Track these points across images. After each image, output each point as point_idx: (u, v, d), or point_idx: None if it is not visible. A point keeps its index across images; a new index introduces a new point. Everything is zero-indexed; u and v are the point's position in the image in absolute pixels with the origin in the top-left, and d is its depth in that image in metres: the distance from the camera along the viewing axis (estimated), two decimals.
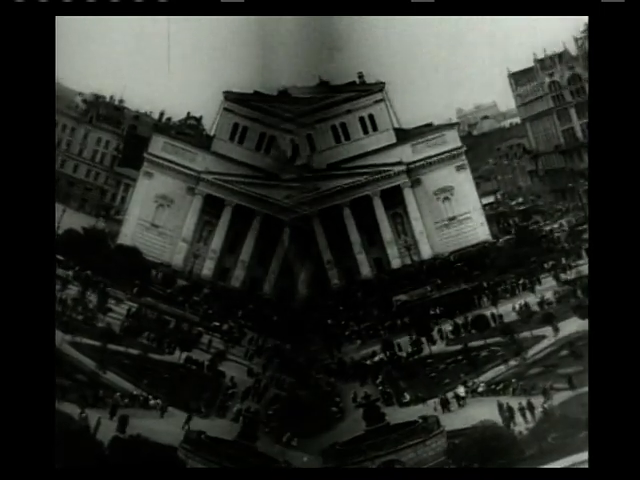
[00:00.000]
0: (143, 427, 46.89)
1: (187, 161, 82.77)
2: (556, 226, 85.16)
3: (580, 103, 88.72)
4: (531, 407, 47.27)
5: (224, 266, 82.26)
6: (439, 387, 55.97)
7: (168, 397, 54.82)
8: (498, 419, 46.66)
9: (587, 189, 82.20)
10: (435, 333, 65.61)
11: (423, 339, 64.53)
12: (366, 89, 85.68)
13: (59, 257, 68.73)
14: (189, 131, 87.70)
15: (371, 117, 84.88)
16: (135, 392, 53.99)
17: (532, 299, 67.13)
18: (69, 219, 78.15)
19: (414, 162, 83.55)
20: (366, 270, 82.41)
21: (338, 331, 71.10)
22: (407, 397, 55.77)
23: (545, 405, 46.21)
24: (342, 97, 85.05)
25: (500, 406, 48.01)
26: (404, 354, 63.80)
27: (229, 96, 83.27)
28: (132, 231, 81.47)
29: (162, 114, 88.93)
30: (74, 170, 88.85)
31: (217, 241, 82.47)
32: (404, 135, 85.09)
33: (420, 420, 47.35)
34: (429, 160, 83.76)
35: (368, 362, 64.61)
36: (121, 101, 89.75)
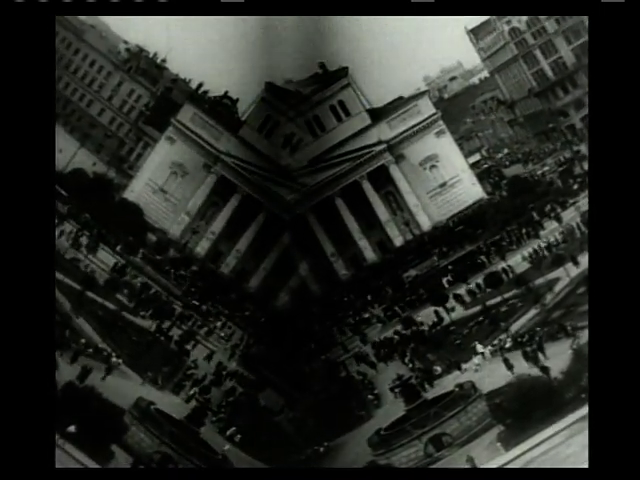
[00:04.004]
0: (101, 382, 46.75)
1: (212, 138, 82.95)
2: (547, 168, 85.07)
3: (543, 43, 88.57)
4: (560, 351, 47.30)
5: (219, 250, 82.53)
6: (467, 352, 55.77)
7: (130, 359, 54.39)
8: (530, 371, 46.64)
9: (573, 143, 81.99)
10: (452, 300, 65.47)
11: (441, 309, 64.37)
12: (330, 77, 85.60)
13: (62, 192, 68.76)
14: (221, 110, 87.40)
15: (341, 103, 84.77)
16: (100, 345, 53.42)
17: (539, 245, 67.05)
18: (81, 158, 79.38)
19: (393, 138, 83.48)
20: (371, 254, 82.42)
21: (356, 320, 71.20)
22: (438, 369, 55.58)
23: (574, 346, 46.00)
24: (309, 90, 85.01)
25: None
26: (426, 328, 63.66)
27: (270, 88, 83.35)
28: (139, 189, 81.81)
29: (200, 85, 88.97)
30: (99, 113, 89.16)
31: (219, 224, 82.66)
32: (377, 114, 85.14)
33: (456, 389, 47.15)
34: (407, 133, 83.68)
35: (393, 343, 64.59)
36: (163, 61, 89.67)
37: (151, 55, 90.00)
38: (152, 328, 61.66)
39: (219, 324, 69.74)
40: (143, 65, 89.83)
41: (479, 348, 54.16)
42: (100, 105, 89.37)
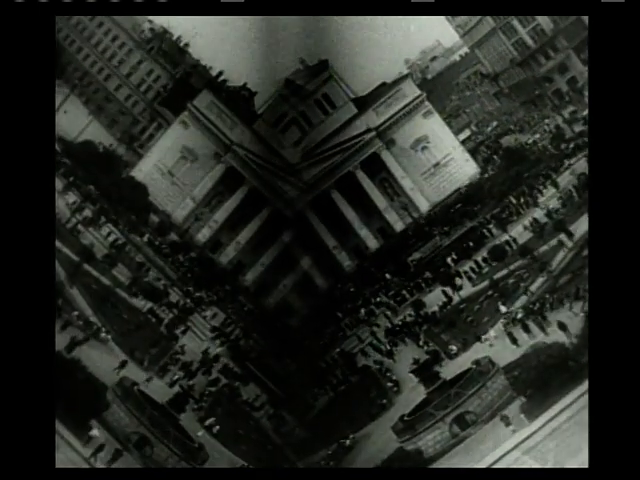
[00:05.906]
0: (87, 355, 46.05)
1: (226, 128, 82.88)
2: (538, 136, 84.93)
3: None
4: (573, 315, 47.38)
5: (219, 239, 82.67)
6: (480, 327, 55.81)
7: (119, 337, 53.76)
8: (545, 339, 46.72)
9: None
10: (458, 278, 65.44)
11: (449, 288, 64.32)
12: (312, 72, 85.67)
13: (66, 161, 68.62)
14: (239, 100, 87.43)
15: (326, 96, 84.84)
16: (91, 319, 52.74)
17: (538, 213, 66.98)
18: (92, 130, 79.66)
19: (381, 124, 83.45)
20: (373, 242, 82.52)
21: (366, 309, 71.12)
22: (454, 348, 55.58)
23: (585, 309, 46.00)
24: (292, 87, 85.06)
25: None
26: (437, 308, 63.63)
27: (290, 85, 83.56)
28: (148, 169, 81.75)
29: (220, 73, 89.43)
30: (116, 89, 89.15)
31: (222, 213, 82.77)
32: (363, 102, 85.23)
33: (474, 366, 47.15)
34: (395, 117, 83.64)
35: (406, 327, 64.50)
36: (186, 45, 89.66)
37: (174, 38, 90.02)
38: (144, 309, 61.08)
39: (210, 313, 69.22)
40: (165, 47, 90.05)
41: (502, 309, 54.36)
42: (118, 81, 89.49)
